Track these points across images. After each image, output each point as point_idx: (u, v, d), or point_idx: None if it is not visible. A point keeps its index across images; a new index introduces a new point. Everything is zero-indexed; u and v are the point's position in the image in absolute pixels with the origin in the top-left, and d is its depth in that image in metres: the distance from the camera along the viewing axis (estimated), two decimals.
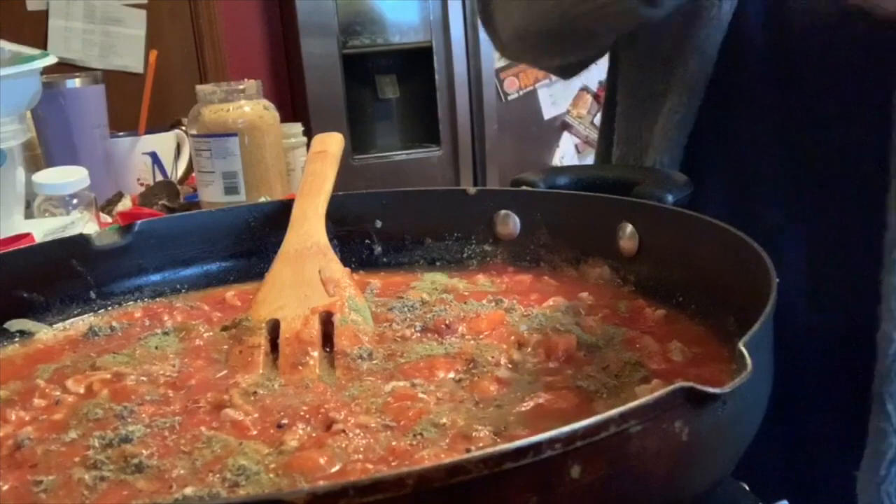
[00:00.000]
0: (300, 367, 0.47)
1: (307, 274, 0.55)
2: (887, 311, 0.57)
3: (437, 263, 0.64)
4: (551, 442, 0.26)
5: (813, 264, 0.64)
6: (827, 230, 0.64)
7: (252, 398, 0.43)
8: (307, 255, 0.56)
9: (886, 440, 0.57)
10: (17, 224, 0.87)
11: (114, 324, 0.55)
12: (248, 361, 0.48)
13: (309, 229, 0.59)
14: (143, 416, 0.41)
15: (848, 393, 0.64)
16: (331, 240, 0.58)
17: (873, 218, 0.58)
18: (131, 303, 0.60)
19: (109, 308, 0.59)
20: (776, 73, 0.65)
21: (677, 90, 0.68)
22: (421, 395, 0.42)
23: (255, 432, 0.39)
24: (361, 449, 0.37)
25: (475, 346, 0.47)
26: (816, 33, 0.63)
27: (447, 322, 0.50)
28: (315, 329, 0.49)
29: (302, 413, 0.41)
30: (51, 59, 0.88)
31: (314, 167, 0.65)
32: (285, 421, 0.40)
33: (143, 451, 0.37)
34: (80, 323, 0.57)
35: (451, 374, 0.44)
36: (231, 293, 0.61)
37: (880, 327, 0.57)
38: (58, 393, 0.45)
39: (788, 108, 0.65)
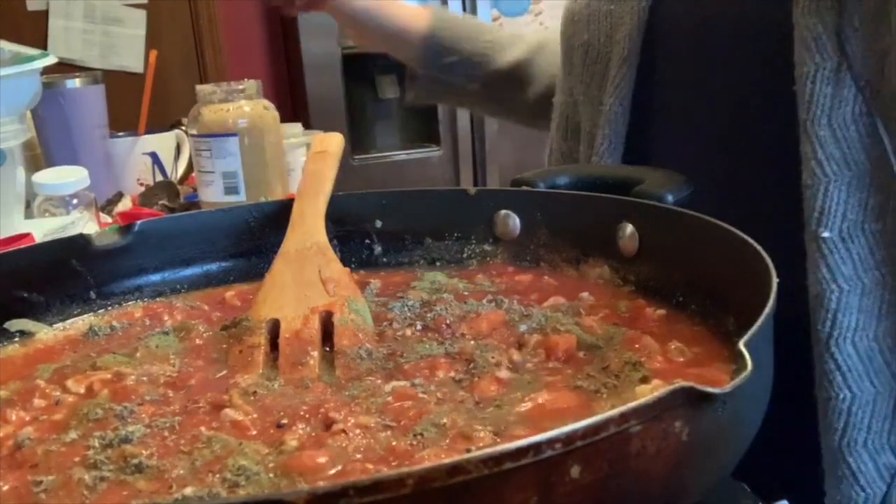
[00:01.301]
0: (300, 367, 0.47)
1: (307, 274, 0.55)
2: (813, 266, 0.60)
3: (437, 263, 0.64)
4: (551, 442, 0.26)
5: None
6: (746, 202, 0.67)
7: (252, 398, 0.43)
8: (307, 256, 0.56)
9: (837, 394, 0.59)
10: (17, 224, 0.87)
11: (114, 324, 0.55)
12: (249, 361, 0.48)
13: (308, 230, 0.59)
14: (143, 416, 0.41)
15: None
16: (331, 240, 0.58)
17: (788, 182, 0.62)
18: (131, 303, 0.60)
19: (109, 308, 0.59)
20: (691, 50, 0.71)
21: (601, 125, 0.75)
22: (421, 395, 0.42)
23: (254, 432, 0.39)
24: (361, 449, 0.37)
25: (475, 346, 0.47)
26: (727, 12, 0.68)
27: (447, 322, 0.50)
28: (315, 329, 0.49)
29: (302, 413, 0.41)
30: (51, 59, 0.88)
31: (314, 167, 0.65)
32: (285, 421, 0.40)
33: (143, 452, 0.37)
34: (79, 323, 0.57)
35: (451, 374, 0.44)
36: (231, 293, 0.61)
37: (810, 288, 0.60)
38: (58, 393, 0.45)
39: (687, 95, 0.71)
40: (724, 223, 0.47)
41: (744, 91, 0.68)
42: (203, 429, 0.40)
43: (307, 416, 0.40)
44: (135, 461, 0.36)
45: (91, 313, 0.58)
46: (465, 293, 0.57)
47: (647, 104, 0.73)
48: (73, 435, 0.40)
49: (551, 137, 0.89)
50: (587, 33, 0.78)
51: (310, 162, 0.66)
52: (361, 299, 0.53)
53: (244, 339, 0.50)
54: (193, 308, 0.58)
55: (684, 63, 0.71)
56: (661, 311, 0.51)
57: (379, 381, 0.44)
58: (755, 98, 0.67)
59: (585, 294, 0.55)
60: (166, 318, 0.56)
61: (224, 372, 0.47)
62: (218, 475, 0.35)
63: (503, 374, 0.44)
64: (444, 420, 0.38)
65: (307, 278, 0.54)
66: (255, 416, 0.41)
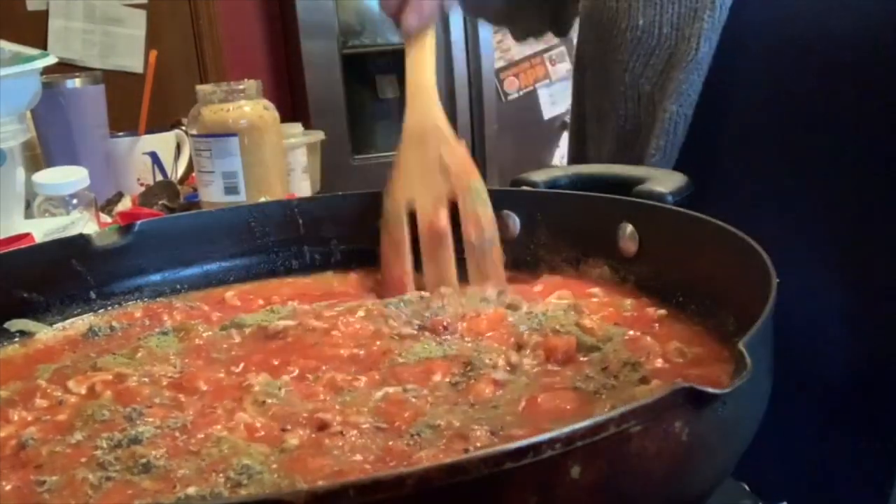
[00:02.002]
0: (436, 263, 0.52)
1: (430, 157, 0.57)
2: None
3: None
4: (551, 442, 0.26)
5: (820, 271, 0.63)
6: (844, 233, 0.63)
7: (262, 407, 0.42)
8: (429, 137, 0.58)
9: None
10: (17, 224, 0.87)
11: (114, 324, 0.55)
12: (398, 253, 0.54)
13: (426, 103, 0.59)
14: (153, 418, 0.41)
15: (851, 395, 0.64)
16: (330, 240, 0.58)
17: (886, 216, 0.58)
18: (131, 303, 0.60)
19: (109, 308, 0.59)
20: (774, 75, 0.64)
21: (655, 133, 0.67)
22: (413, 399, 0.42)
23: (262, 433, 0.39)
24: (359, 450, 0.37)
25: (474, 347, 0.47)
26: (819, 35, 0.61)
27: (445, 323, 0.50)
28: (445, 218, 0.53)
29: (301, 420, 0.40)
30: (51, 59, 0.88)
31: (416, 46, 0.63)
32: (289, 427, 0.40)
33: (153, 452, 0.37)
34: (79, 323, 0.57)
35: (448, 378, 0.44)
36: (231, 293, 0.61)
37: None
38: (59, 393, 0.45)
39: (789, 110, 0.64)
40: (725, 223, 0.47)
41: (835, 112, 0.62)
42: (217, 427, 0.40)
43: (305, 422, 0.40)
44: (143, 461, 0.36)
45: (91, 313, 0.58)
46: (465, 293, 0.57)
47: (709, 111, 0.65)
48: (78, 436, 0.40)
49: (583, 124, 0.81)
50: (642, 17, 0.67)
51: (410, 46, 0.63)
52: (482, 184, 0.56)
53: (390, 232, 0.55)
54: (193, 308, 0.58)
55: (765, 74, 0.64)
56: (662, 311, 0.51)
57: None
58: (848, 120, 0.61)
59: (597, 290, 0.55)
60: (166, 318, 0.56)
61: (222, 374, 0.47)
62: (222, 475, 0.35)
63: (500, 375, 0.44)
64: (440, 422, 0.38)
65: (431, 162, 0.56)
66: (263, 420, 0.41)
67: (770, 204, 0.65)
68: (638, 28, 0.67)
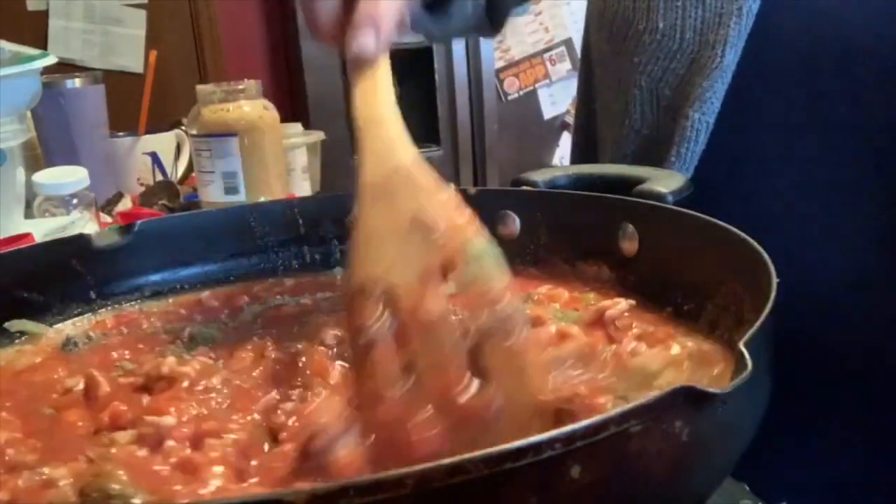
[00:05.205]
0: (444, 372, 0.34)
1: (403, 214, 0.40)
2: None
3: None
4: (551, 442, 0.26)
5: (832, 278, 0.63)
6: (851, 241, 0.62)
7: None
8: (397, 187, 0.41)
9: None
10: (17, 224, 0.87)
11: (91, 333, 0.55)
12: (377, 373, 0.34)
13: (386, 142, 0.43)
14: None
15: (854, 397, 0.64)
16: (330, 240, 0.58)
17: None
18: (132, 303, 0.60)
19: (109, 308, 0.59)
20: (801, 81, 0.62)
21: (675, 140, 0.64)
22: None
23: None
24: None
25: None
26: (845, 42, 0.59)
27: None
28: (441, 300, 0.35)
29: None
30: (51, 59, 0.88)
31: (366, 76, 0.46)
32: None
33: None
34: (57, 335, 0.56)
35: None
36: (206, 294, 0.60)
37: None
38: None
39: (818, 121, 0.61)
40: (727, 224, 0.47)
41: (869, 124, 0.60)
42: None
43: None
44: None
45: (90, 314, 0.58)
46: None
47: (732, 120, 0.63)
48: None
49: (590, 124, 0.78)
50: (662, 20, 0.64)
51: (358, 75, 0.46)
52: (484, 240, 0.39)
53: (360, 339, 0.36)
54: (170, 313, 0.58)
55: (793, 83, 0.62)
56: (632, 301, 0.51)
57: None
58: (885, 132, 0.59)
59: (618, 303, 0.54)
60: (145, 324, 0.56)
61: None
62: None
63: None
64: None
65: (405, 221, 0.39)
66: None
67: (792, 217, 0.63)
68: (658, 31, 0.65)
